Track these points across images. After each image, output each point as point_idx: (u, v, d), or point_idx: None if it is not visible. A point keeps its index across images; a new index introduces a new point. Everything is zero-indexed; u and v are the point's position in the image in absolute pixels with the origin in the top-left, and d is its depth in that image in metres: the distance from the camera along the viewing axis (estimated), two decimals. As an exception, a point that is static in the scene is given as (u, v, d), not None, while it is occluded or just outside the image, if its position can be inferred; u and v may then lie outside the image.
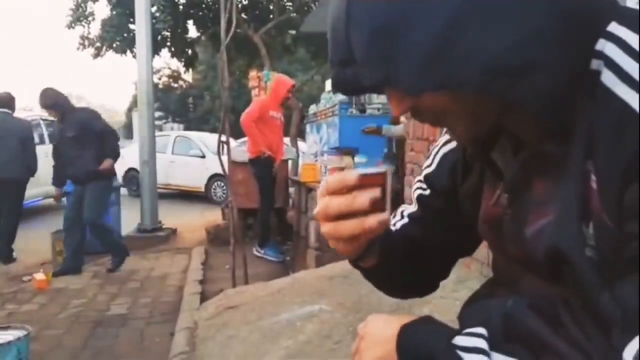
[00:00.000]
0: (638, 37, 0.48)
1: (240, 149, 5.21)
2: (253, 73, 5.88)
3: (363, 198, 0.57)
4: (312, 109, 6.32)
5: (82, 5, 8.69)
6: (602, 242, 0.51)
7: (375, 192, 0.57)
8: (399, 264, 0.74)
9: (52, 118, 4.89)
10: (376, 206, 0.57)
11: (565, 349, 0.54)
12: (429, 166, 0.76)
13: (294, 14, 8.50)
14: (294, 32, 8.75)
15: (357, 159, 4.14)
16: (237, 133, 7.83)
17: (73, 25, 8.82)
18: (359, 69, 0.54)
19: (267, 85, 5.05)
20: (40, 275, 3.93)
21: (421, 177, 0.77)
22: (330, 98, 5.70)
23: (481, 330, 0.57)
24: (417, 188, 0.78)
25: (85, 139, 4.09)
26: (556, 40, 0.49)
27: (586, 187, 0.51)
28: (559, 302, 0.56)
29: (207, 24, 8.51)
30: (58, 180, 4.51)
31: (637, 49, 0.48)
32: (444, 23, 0.49)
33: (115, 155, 4.33)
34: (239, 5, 7.75)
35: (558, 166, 0.54)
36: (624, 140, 0.46)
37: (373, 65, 0.52)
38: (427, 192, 0.76)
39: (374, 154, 4.36)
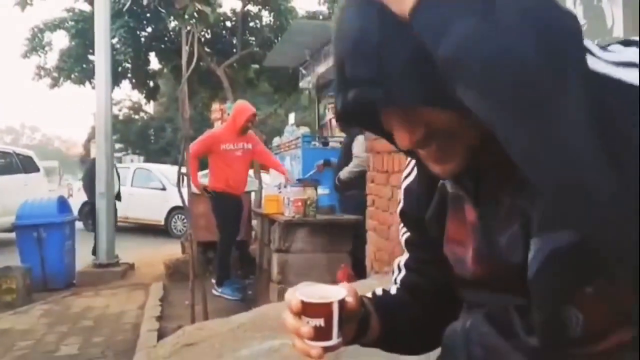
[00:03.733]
0: None
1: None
2: (215, 105, 5.89)
3: (306, 328, 0.61)
4: (276, 141, 6.36)
5: (39, 35, 8.52)
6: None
7: (320, 322, 0.61)
8: (407, 324, 0.74)
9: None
10: (321, 335, 0.61)
11: (517, 358, 0.57)
12: (399, 202, 0.78)
13: (257, 49, 8.62)
14: (257, 66, 8.84)
15: (320, 190, 4.17)
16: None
17: (28, 54, 8.62)
18: (391, 86, 0.49)
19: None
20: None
21: (397, 215, 0.79)
22: (293, 131, 5.77)
23: None
24: (402, 233, 0.78)
25: None
26: None
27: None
28: (512, 310, 0.58)
29: (170, 57, 8.50)
30: None
31: None
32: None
33: None
34: (202, 39, 7.79)
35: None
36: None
37: (412, 83, 0.49)
38: (408, 233, 0.77)
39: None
